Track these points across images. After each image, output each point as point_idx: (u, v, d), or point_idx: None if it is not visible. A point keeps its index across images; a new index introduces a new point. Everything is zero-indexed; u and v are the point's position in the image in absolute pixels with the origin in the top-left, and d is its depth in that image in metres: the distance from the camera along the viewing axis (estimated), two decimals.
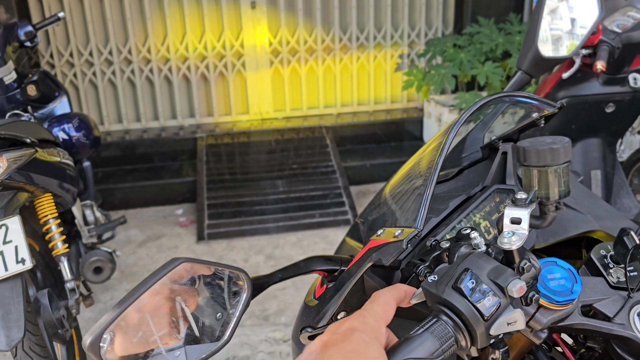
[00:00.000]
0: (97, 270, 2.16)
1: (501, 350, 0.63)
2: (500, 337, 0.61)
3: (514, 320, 0.60)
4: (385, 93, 4.36)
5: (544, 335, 0.66)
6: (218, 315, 0.65)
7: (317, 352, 0.55)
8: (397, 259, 0.70)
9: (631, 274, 0.71)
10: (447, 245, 0.68)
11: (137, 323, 0.57)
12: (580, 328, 0.69)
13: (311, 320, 0.74)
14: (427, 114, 4.05)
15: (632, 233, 0.70)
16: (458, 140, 0.95)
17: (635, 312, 0.69)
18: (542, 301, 0.66)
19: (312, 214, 3.45)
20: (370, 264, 0.68)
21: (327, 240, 3.22)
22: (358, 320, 0.59)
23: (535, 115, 0.84)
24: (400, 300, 0.65)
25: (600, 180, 2.19)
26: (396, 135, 4.23)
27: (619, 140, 2.34)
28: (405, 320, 0.71)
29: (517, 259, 0.63)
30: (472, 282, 0.60)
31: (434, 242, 0.72)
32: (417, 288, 0.67)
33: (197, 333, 0.61)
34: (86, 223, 2.42)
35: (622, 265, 0.72)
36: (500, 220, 0.65)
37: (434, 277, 0.63)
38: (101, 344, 0.54)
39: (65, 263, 2.01)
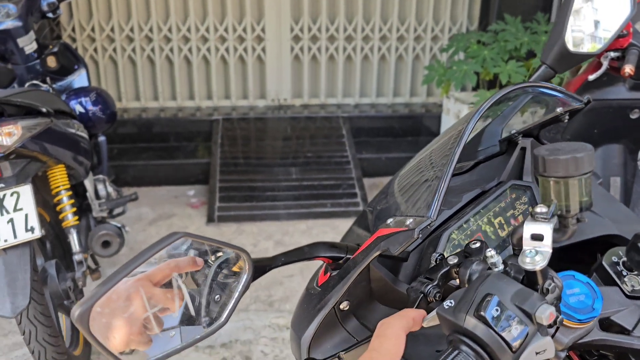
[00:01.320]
0: (105, 244, 2.17)
1: None
2: None
3: (543, 348, 0.55)
4: (405, 86, 4.31)
5: (564, 355, 0.63)
6: (216, 297, 0.62)
7: None
8: (406, 250, 0.67)
9: None
10: (455, 260, 0.63)
11: (129, 298, 0.54)
12: (601, 344, 0.66)
13: (312, 308, 0.72)
14: (445, 110, 3.99)
15: None
16: (474, 133, 0.92)
17: None
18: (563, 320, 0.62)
19: (323, 203, 3.43)
20: (377, 253, 0.65)
21: (337, 231, 3.20)
22: None
23: (559, 109, 0.80)
24: (409, 329, 0.59)
25: (619, 188, 2.14)
26: (413, 130, 4.19)
27: None
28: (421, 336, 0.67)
29: (540, 280, 0.58)
30: (497, 310, 0.54)
31: (439, 258, 0.67)
32: (426, 309, 0.62)
33: (192, 313, 0.59)
34: (98, 197, 2.42)
35: (636, 272, 0.69)
36: (515, 234, 0.60)
37: (450, 303, 0.58)
38: (90, 317, 0.51)
39: (75, 235, 2.02)
